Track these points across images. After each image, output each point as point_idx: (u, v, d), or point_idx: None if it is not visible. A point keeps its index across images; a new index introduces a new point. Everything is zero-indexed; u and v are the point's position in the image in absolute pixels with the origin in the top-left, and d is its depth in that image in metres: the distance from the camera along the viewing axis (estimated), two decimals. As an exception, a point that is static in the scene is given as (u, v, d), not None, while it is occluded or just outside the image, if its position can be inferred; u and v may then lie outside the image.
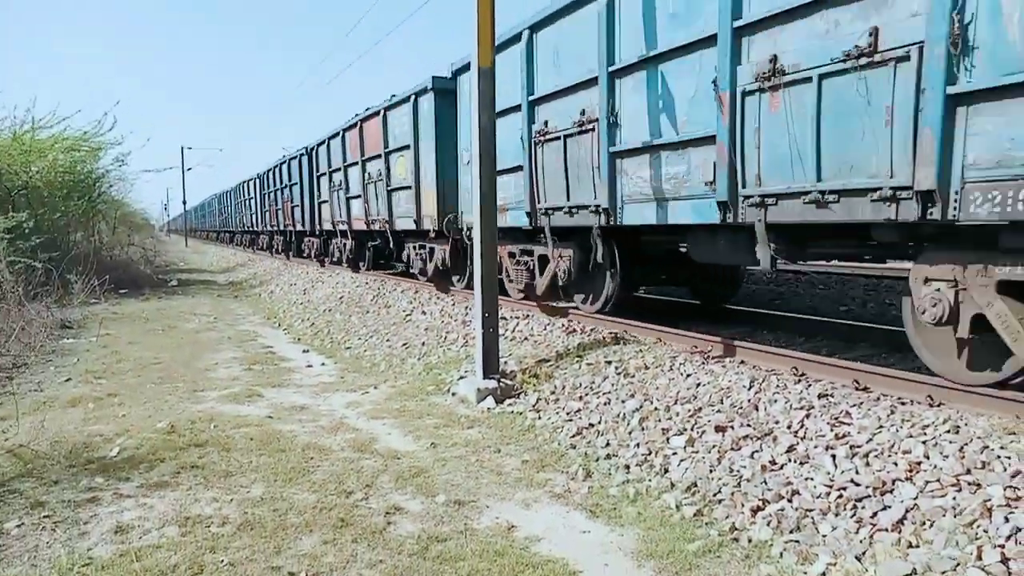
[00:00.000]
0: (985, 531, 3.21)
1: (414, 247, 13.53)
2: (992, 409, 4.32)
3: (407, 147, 12.25)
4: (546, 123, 8.02)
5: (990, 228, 4.32)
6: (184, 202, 59.15)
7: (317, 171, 18.95)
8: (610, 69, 6.85)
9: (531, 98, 8.24)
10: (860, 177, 4.64)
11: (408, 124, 12.09)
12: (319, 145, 18.40)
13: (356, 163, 15.08)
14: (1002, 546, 3.08)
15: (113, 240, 24.04)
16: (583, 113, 7.32)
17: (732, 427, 4.74)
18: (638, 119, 6.63)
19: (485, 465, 4.99)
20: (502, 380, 6.68)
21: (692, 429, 4.91)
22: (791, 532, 3.66)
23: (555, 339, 7.78)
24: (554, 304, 9.25)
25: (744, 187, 5.47)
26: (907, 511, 3.50)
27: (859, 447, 4.10)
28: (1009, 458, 3.61)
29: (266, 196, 27.43)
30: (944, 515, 3.38)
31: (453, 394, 6.86)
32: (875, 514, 3.57)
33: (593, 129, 7.17)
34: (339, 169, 16.49)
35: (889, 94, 4.39)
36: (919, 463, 3.79)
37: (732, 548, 3.66)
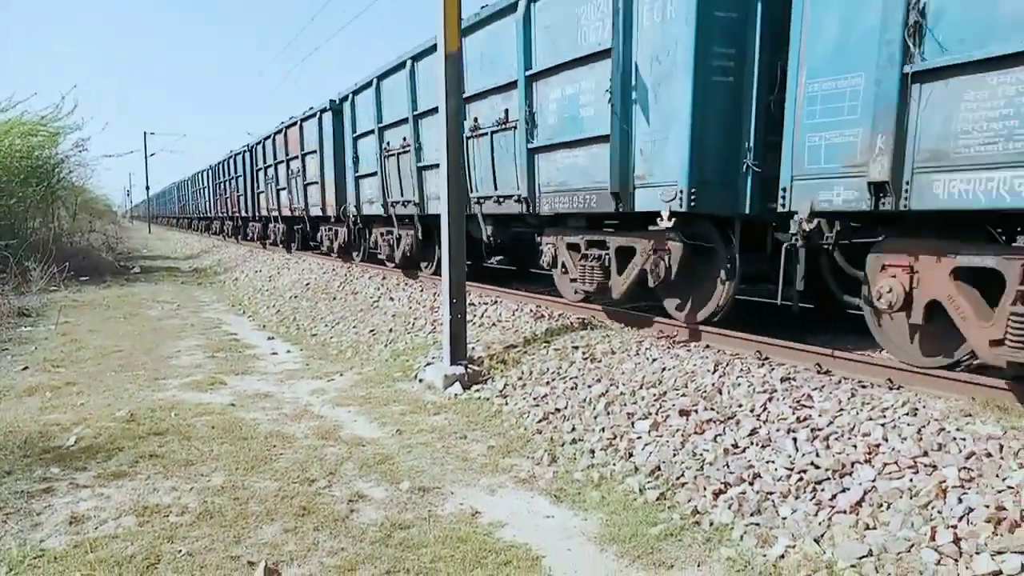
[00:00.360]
0: (939, 512, 3.26)
1: (324, 230, 16.54)
2: (950, 391, 4.40)
3: (315, 151, 15.31)
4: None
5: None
6: (147, 188, 58.13)
7: (256, 166, 21.99)
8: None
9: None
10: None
11: (316, 133, 15.24)
12: (257, 144, 21.49)
13: (283, 161, 18.26)
14: (955, 527, 3.14)
15: (73, 226, 23.50)
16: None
17: (696, 411, 4.77)
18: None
19: (451, 451, 4.97)
20: (469, 366, 6.65)
21: (657, 413, 4.93)
22: (752, 515, 3.70)
23: (523, 325, 7.77)
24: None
25: None
26: (865, 493, 3.54)
27: (820, 430, 4.15)
28: (964, 440, 3.68)
29: (218, 185, 30.72)
30: (901, 497, 3.43)
31: (420, 380, 6.82)
32: (834, 496, 3.61)
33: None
34: (272, 165, 19.51)
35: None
36: (878, 445, 3.84)
37: (694, 531, 3.69)
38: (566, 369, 6.13)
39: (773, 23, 5.40)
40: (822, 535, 3.40)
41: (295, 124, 16.77)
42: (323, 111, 14.75)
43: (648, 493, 4.10)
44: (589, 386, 5.67)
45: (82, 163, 22.42)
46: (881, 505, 3.44)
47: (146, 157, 54.58)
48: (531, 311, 8.14)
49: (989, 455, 3.51)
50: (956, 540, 3.06)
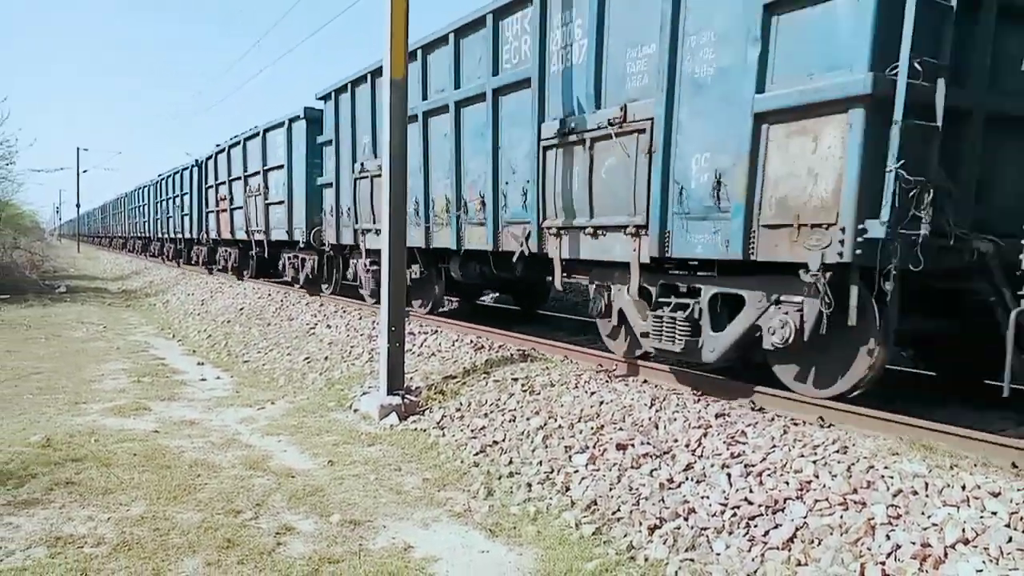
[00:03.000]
0: (868, 548, 3.31)
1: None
2: (877, 430, 4.50)
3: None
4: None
5: None
6: (78, 206, 56.21)
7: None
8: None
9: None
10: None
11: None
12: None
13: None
14: (883, 563, 3.19)
15: (-5, 242, 22.56)
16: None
17: (633, 445, 4.77)
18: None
19: (384, 484, 4.86)
20: (407, 396, 6.55)
21: (594, 447, 4.92)
22: (687, 551, 3.69)
23: (463, 355, 7.70)
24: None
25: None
26: (797, 529, 3.58)
27: (753, 466, 4.19)
28: (892, 478, 3.75)
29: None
30: (831, 533, 3.48)
31: (355, 410, 6.68)
32: (767, 532, 3.64)
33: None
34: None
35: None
36: (809, 482, 3.89)
37: (629, 567, 3.66)
38: (505, 401, 6.08)
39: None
40: (755, 571, 3.42)
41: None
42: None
43: (584, 528, 4.06)
44: (528, 419, 5.63)
45: (8, 177, 21.61)
46: (812, 541, 3.48)
47: (78, 173, 52.92)
48: (471, 341, 8.09)
49: (915, 492, 3.59)
50: (884, 576, 3.11)
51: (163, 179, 27.01)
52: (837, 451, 4.14)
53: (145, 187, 32.01)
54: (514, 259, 7.38)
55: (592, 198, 6.28)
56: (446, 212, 8.53)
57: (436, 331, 8.94)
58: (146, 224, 32.35)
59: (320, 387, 7.74)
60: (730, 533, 3.72)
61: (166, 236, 27.39)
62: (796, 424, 4.70)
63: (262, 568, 3.59)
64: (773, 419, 4.83)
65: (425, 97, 8.65)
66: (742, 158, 4.81)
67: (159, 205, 28.31)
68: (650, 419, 5.12)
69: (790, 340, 4.89)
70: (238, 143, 16.29)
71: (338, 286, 12.88)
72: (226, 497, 4.49)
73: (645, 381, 6.10)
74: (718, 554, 3.61)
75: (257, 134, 14.81)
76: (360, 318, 10.31)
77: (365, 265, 11.06)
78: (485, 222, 7.76)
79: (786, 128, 4.61)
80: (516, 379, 6.51)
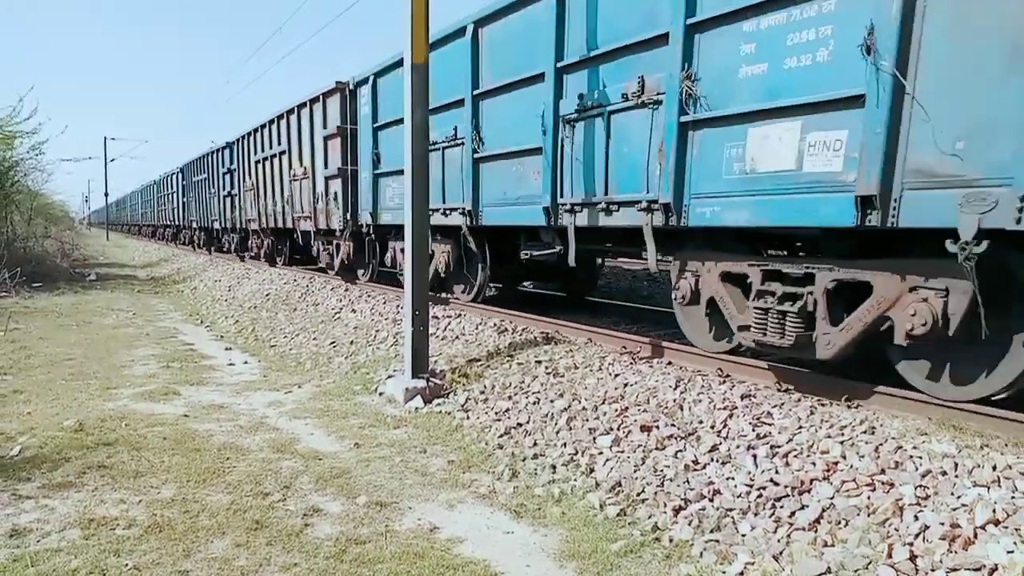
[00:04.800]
0: (896, 529, 3.28)
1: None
2: (906, 411, 4.44)
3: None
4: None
5: None
6: (106, 194, 56.96)
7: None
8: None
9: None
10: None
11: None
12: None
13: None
14: (911, 544, 3.15)
15: (27, 231, 22.88)
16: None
17: (657, 427, 4.76)
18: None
19: (410, 466, 4.89)
20: (431, 380, 6.57)
21: (618, 429, 4.91)
22: (711, 532, 3.69)
23: (486, 338, 7.72)
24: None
25: None
26: (823, 510, 3.56)
27: (779, 447, 4.16)
28: (920, 458, 3.71)
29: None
30: (858, 514, 3.45)
31: (380, 394, 6.73)
32: (793, 513, 3.62)
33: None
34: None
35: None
36: (836, 463, 3.86)
37: (653, 548, 3.66)
38: (529, 383, 6.09)
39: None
40: (781, 552, 3.40)
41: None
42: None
43: (608, 509, 4.07)
44: (551, 401, 5.64)
45: (38, 167, 21.93)
46: (839, 522, 3.46)
47: (105, 162, 53.57)
48: (494, 325, 8.09)
49: (944, 473, 3.55)
50: (912, 557, 3.08)
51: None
52: (865, 432, 4.10)
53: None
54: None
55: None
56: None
57: (460, 315, 8.96)
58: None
59: (346, 371, 7.81)
60: (756, 514, 3.71)
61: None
62: (823, 405, 4.66)
63: (290, 549, 3.64)
64: (799, 400, 4.78)
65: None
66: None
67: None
68: (675, 401, 5.10)
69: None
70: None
71: (375, 273, 12.34)
72: (254, 479, 4.56)
73: (670, 363, 6.07)
74: (743, 535, 3.60)
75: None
76: (384, 302, 10.36)
77: (323, 244, 10.62)
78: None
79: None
80: (540, 361, 6.51)
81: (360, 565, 3.49)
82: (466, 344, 7.75)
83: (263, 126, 16.01)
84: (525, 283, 11.54)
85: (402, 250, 10.03)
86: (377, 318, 9.58)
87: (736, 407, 4.77)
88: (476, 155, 8.12)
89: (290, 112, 14.04)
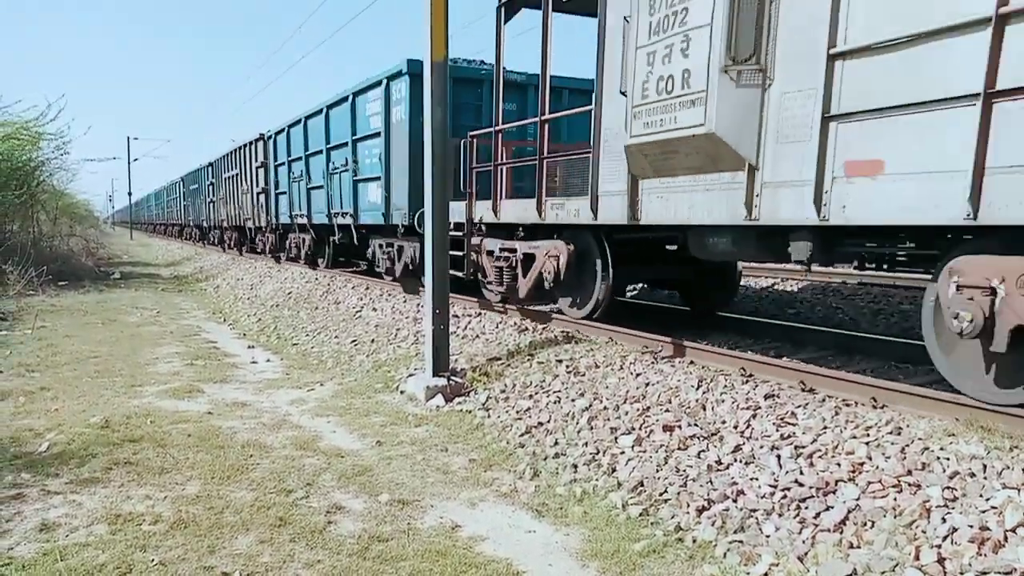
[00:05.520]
0: (923, 531, 3.24)
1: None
2: (933, 411, 4.39)
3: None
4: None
5: None
6: (130, 193, 57.65)
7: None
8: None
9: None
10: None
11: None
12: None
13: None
14: (939, 546, 3.12)
15: (53, 231, 23.22)
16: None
17: (680, 427, 4.73)
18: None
19: (431, 464, 4.91)
20: (452, 378, 6.59)
21: (640, 428, 4.89)
22: (735, 532, 3.66)
23: (507, 337, 7.72)
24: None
25: None
26: (849, 512, 3.52)
27: (804, 448, 4.13)
28: (948, 459, 3.67)
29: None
30: (885, 516, 3.41)
31: (401, 392, 6.75)
32: (818, 515, 3.59)
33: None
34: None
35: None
36: (862, 464, 3.82)
37: (676, 548, 3.64)
38: (550, 383, 6.08)
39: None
40: (806, 553, 3.37)
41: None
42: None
43: (631, 509, 4.05)
44: (572, 400, 5.63)
45: (63, 167, 22.22)
46: (865, 524, 3.42)
47: (129, 162, 54.25)
48: (515, 324, 8.10)
49: (973, 475, 3.50)
50: (940, 560, 3.04)
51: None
52: (891, 432, 4.06)
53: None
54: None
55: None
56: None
57: (480, 314, 8.97)
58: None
59: (367, 369, 7.84)
60: (780, 515, 3.68)
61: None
62: (848, 405, 4.61)
63: (313, 546, 3.66)
64: (824, 400, 4.74)
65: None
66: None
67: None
68: (697, 400, 5.07)
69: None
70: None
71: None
72: (278, 477, 4.59)
73: (692, 363, 6.04)
74: (768, 536, 3.57)
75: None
76: (405, 301, 10.40)
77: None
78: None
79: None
80: (560, 360, 6.50)
81: (383, 562, 3.50)
82: (487, 343, 7.75)
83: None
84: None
85: (380, 246, 12.27)
86: (398, 316, 9.61)
87: (760, 407, 4.74)
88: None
89: (240, 147, 18.99)
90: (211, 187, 27.28)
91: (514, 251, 8.49)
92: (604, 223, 6.79)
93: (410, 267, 11.27)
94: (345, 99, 12.75)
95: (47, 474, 4.56)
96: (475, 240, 9.13)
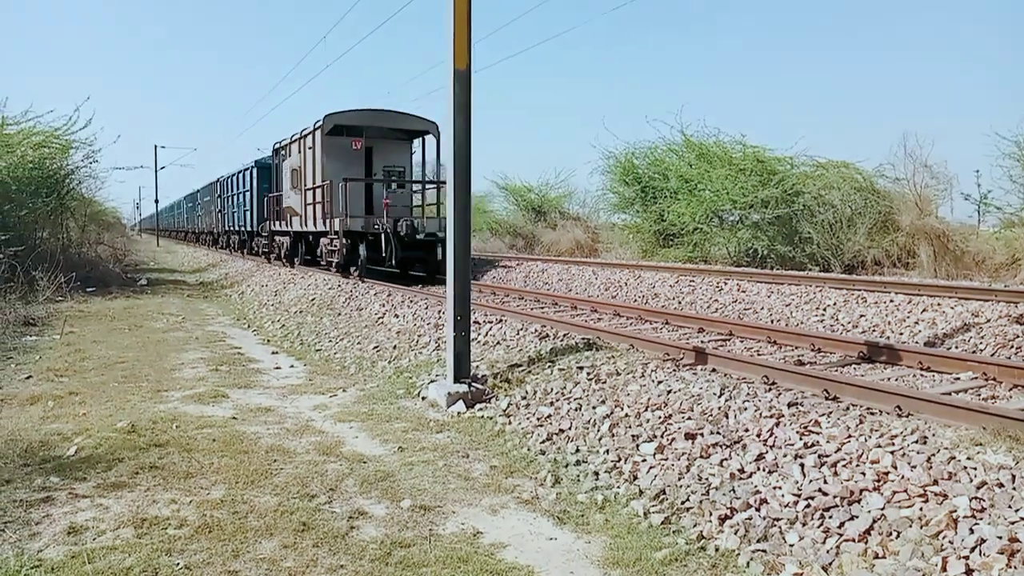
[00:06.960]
0: (951, 542, 3.20)
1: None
2: (959, 420, 4.34)
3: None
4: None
5: None
6: (156, 201, 58.45)
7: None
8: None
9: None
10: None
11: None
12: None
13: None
14: (967, 557, 3.07)
15: (82, 238, 23.59)
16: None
17: (702, 434, 4.71)
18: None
19: (453, 470, 4.92)
20: (473, 385, 6.61)
21: (662, 436, 4.88)
22: (758, 541, 3.64)
23: (528, 344, 7.73)
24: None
25: None
26: (874, 521, 3.49)
27: (827, 456, 4.09)
28: (975, 469, 3.62)
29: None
30: (911, 526, 3.37)
31: (423, 398, 6.78)
32: (842, 524, 3.55)
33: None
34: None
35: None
36: (887, 473, 3.78)
37: (699, 557, 3.62)
38: (571, 390, 6.08)
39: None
40: (830, 563, 3.34)
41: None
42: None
43: (653, 517, 4.04)
44: (594, 407, 5.62)
45: (92, 174, 22.57)
46: (890, 534, 3.38)
47: (156, 170, 55.02)
48: (536, 331, 8.10)
49: (1001, 485, 3.45)
50: (968, 571, 3.00)
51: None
52: (916, 441, 4.01)
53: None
54: None
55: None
56: None
57: (501, 320, 8.99)
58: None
59: (389, 375, 7.88)
60: (804, 524, 3.65)
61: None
62: (872, 414, 4.57)
63: (336, 551, 3.69)
64: (848, 408, 4.70)
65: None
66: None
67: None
68: (719, 408, 5.04)
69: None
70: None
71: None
72: (301, 482, 4.62)
73: (714, 370, 6.02)
74: (791, 545, 3.54)
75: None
76: (426, 308, 10.44)
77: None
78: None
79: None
80: (581, 367, 6.50)
81: (405, 568, 3.52)
82: (507, 350, 7.76)
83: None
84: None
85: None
86: (419, 323, 9.65)
87: (783, 415, 4.70)
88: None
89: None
90: (221, 202, 32.11)
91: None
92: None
93: (340, 261, 16.34)
94: (244, 170, 23.72)
95: (75, 478, 4.63)
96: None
